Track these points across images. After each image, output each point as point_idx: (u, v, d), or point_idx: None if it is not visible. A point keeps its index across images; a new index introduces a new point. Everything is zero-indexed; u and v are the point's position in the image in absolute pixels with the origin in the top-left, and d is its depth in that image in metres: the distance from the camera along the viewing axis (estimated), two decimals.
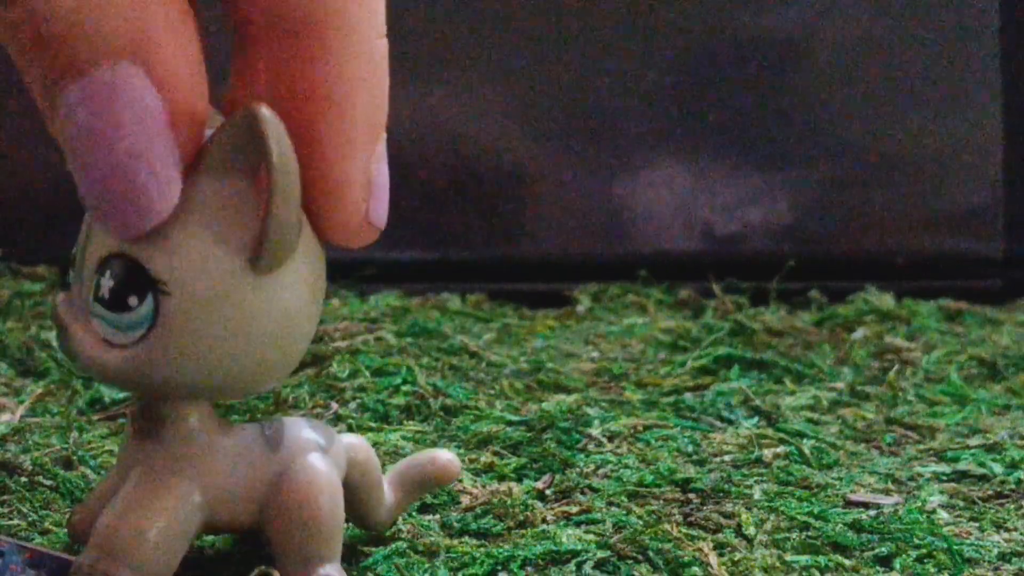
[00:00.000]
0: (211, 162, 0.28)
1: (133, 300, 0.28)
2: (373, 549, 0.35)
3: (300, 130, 0.28)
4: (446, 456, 0.36)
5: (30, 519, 0.37)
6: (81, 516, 0.33)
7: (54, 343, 0.52)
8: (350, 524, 0.36)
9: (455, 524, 0.38)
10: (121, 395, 0.49)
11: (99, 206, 0.27)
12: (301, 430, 0.32)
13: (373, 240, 0.30)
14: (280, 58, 0.28)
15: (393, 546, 0.35)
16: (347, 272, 0.70)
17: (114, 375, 0.29)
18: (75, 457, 0.42)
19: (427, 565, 0.35)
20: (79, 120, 0.27)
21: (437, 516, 0.38)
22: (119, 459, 0.32)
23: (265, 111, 0.27)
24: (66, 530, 0.34)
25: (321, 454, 0.32)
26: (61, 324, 0.30)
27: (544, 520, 0.38)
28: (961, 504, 0.41)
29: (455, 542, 0.36)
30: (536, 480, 0.42)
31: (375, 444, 0.43)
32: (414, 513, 0.38)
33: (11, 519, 0.37)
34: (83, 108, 0.27)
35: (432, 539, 0.36)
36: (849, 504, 0.41)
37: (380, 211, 0.30)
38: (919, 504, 0.40)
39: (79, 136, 0.27)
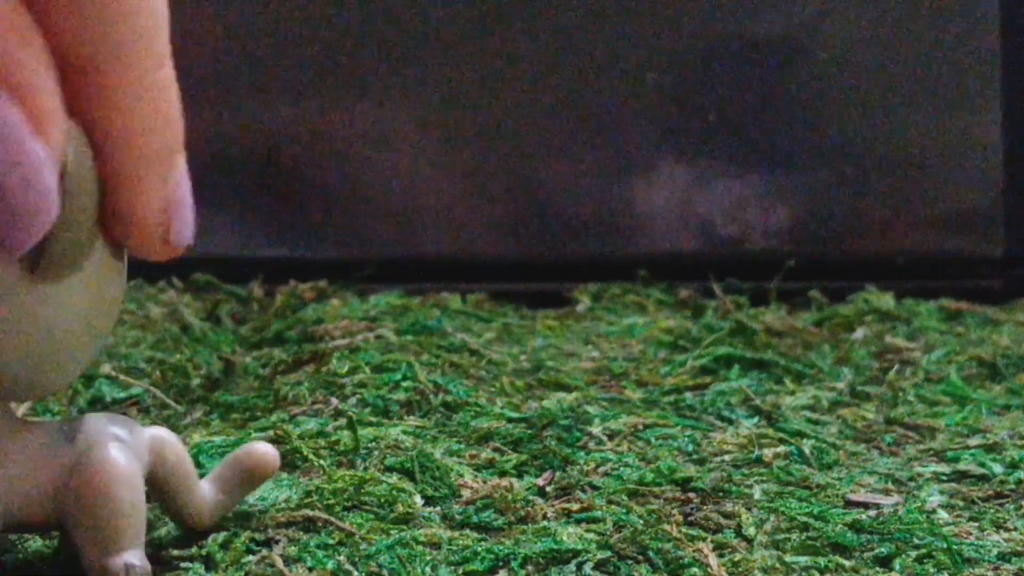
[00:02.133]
0: None
1: None
2: (375, 538, 0.35)
3: (96, 164, 0.29)
4: (262, 448, 0.36)
5: None
6: None
7: None
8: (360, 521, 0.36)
9: (456, 516, 0.38)
10: (122, 394, 0.49)
11: None
12: (99, 424, 0.32)
13: (176, 256, 0.30)
14: (74, 95, 0.28)
15: (396, 536, 0.36)
16: (347, 272, 0.70)
17: None
18: None
19: (429, 557, 0.35)
20: None
21: (438, 508, 0.38)
22: None
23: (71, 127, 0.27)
24: None
25: (118, 445, 0.32)
26: None
27: (545, 516, 0.38)
28: (961, 504, 0.41)
29: (456, 534, 0.36)
30: (536, 477, 0.42)
31: (375, 439, 0.43)
32: (415, 504, 0.38)
33: None
34: None
35: (434, 530, 0.36)
36: (849, 504, 0.40)
37: (182, 231, 0.30)
38: (919, 504, 0.40)
39: None
